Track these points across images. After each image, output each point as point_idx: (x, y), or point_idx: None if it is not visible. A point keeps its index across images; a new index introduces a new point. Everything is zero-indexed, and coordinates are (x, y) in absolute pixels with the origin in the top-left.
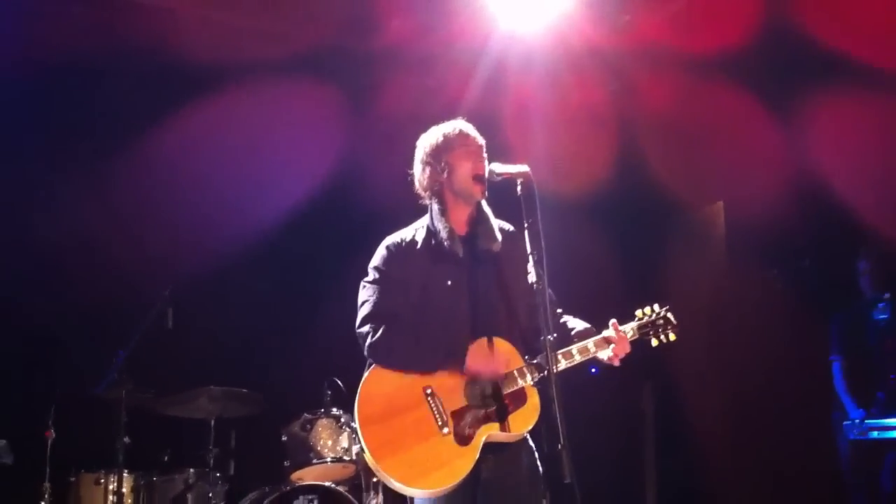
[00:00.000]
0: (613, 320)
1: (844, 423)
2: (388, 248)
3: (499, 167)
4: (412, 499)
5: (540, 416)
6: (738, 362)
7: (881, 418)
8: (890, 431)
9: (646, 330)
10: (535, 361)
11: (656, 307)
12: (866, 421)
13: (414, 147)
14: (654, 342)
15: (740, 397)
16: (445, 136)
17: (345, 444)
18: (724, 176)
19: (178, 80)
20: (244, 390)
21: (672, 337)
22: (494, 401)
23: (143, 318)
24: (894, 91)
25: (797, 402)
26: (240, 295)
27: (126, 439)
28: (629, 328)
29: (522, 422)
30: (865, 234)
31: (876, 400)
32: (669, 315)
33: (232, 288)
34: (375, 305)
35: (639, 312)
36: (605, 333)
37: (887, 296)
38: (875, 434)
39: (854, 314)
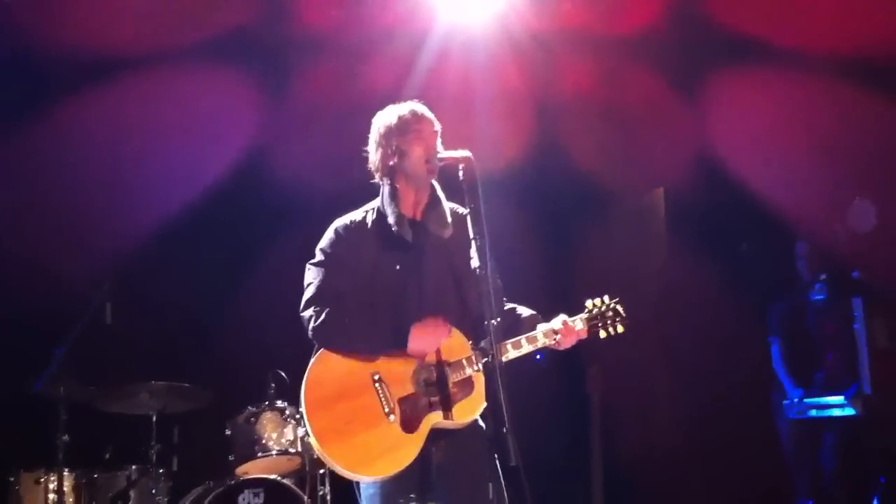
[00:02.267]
0: (563, 316)
1: (784, 402)
2: (336, 230)
3: (440, 152)
4: (358, 485)
5: (487, 403)
6: (682, 347)
7: (819, 397)
8: (828, 410)
9: (595, 322)
10: (480, 346)
11: (606, 299)
12: (805, 400)
13: (339, 133)
14: (603, 334)
15: (684, 381)
16: (400, 118)
17: (290, 436)
18: (663, 162)
19: (88, 65)
20: (186, 385)
21: (620, 329)
22: (440, 388)
23: (81, 313)
24: (814, 72)
25: (739, 383)
26: (179, 287)
27: (66, 437)
28: (578, 320)
29: (468, 410)
30: (799, 217)
31: (814, 380)
32: (619, 307)
33: (170, 280)
34: (320, 288)
35: (588, 304)
36: (554, 325)
37: (823, 277)
38: (814, 413)
39: (792, 296)
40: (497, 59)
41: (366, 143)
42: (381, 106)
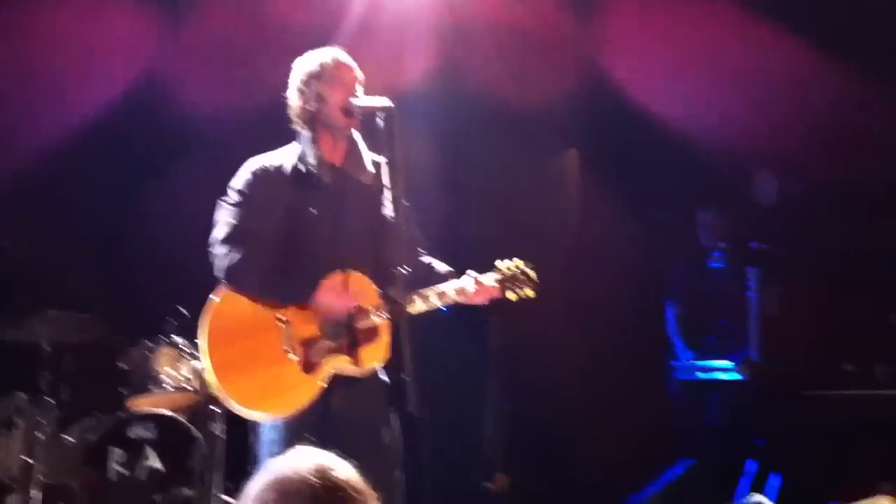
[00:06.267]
0: (474, 274)
1: (674, 363)
2: (252, 171)
3: (360, 99)
4: (257, 427)
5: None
6: (586, 306)
7: (708, 361)
8: (715, 373)
9: (505, 283)
10: (388, 295)
11: (518, 262)
12: (694, 363)
13: (245, 63)
14: (512, 296)
15: (585, 339)
16: (321, 65)
17: (186, 373)
18: (578, 122)
19: None
20: (82, 315)
21: (529, 293)
22: (346, 334)
23: None
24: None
25: (637, 343)
26: (79, 214)
27: None
28: (490, 279)
29: (372, 357)
30: (707, 184)
31: (705, 344)
32: (530, 271)
33: (69, 206)
34: (233, 228)
35: (499, 264)
36: (465, 282)
37: (723, 245)
38: (701, 375)
39: (691, 262)
40: None
41: (273, 72)
42: (288, 35)
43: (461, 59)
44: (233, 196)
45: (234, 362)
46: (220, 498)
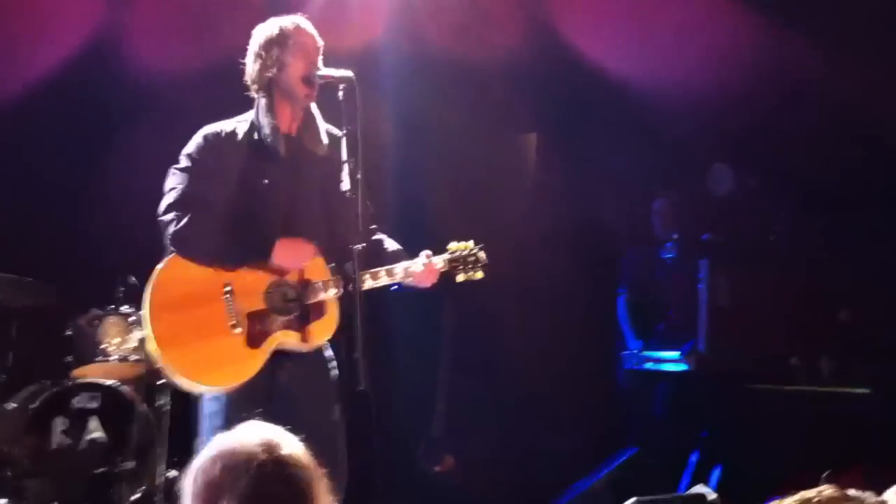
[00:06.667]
0: (427, 252)
1: (623, 353)
2: (205, 136)
3: (322, 70)
4: (199, 400)
5: (338, 328)
6: (538, 290)
7: (657, 351)
8: (663, 364)
9: (455, 265)
10: (339, 272)
11: (470, 244)
12: (643, 353)
13: (201, 26)
14: (461, 277)
15: (537, 325)
16: (282, 30)
17: (133, 343)
18: (537, 106)
19: None
20: (28, 279)
21: (479, 275)
22: (294, 309)
23: None
24: None
25: (587, 331)
26: (28, 174)
27: None
28: (440, 260)
29: (318, 333)
30: (662, 173)
31: (655, 333)
32: (481, 254)
33: (18, 166)
34: (183, 193)
35: (452, 246)
36: (416, 261)
37: (675, 236)
38: (649, 365)
39: (644, 251)
40: None
41: (232, 37)
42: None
43: (419, 32)
44: (183, 162)
45: (178, 333)
46: (164, 471)
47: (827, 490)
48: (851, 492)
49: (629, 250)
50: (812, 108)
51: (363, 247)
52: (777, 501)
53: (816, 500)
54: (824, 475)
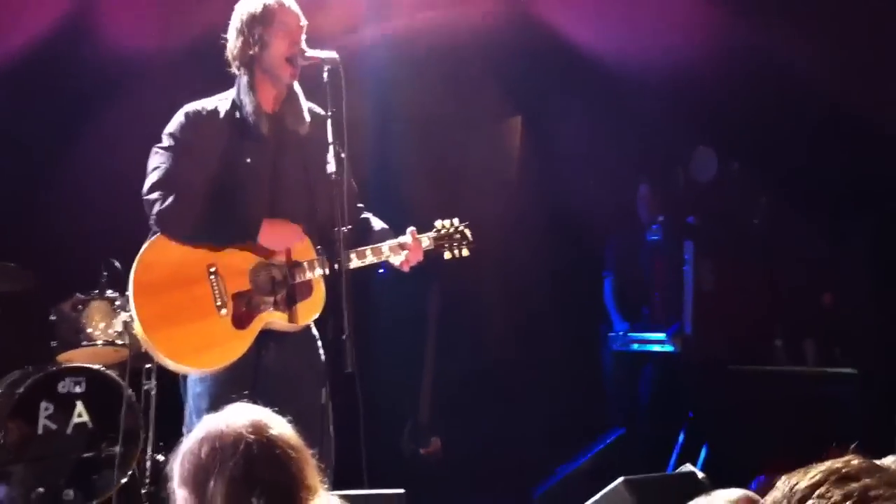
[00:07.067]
0: (412, 228)
1: (609, 334)
2: (186, 114)
3: (308, 51)
4: (185, 382)
5: (325, 309)
6: (524, 274)
7: (643, 332)
8: (649, 345)
9: (441, 242)
10: (326, 254)
11: (455, 221)
12: (629, 334)
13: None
14: (448, 255)
15: (524, 308)
16: (266, 8)
17: (118, 327)
18: (524, 91)
19: None
20: (10, 264)
21: (465, 252)
22: (281, 289)
23: None
24: None
25: (574, 313)
26: (6, 157)
27: None
28: (426, 238)
29: (305, 313)
30: (646, 160)
31: (641, 316)
32: (467, 231)
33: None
34: (167, 173)
35: (438, 224)
36: (402, 239)
37: (661, 219)
38: (635, 347)
39: (629, 235)
40: None
41: (212, 13)
42: None
43: (400, 15)
44: (166, 140)
45: (163, 314)
46: (151, 455)
47: (855, 460)
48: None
49: (615, 234)
50: (796, 96)
51: (349, 229)
52: (800, 471)
53: (846, 470)
54: (852, 446)
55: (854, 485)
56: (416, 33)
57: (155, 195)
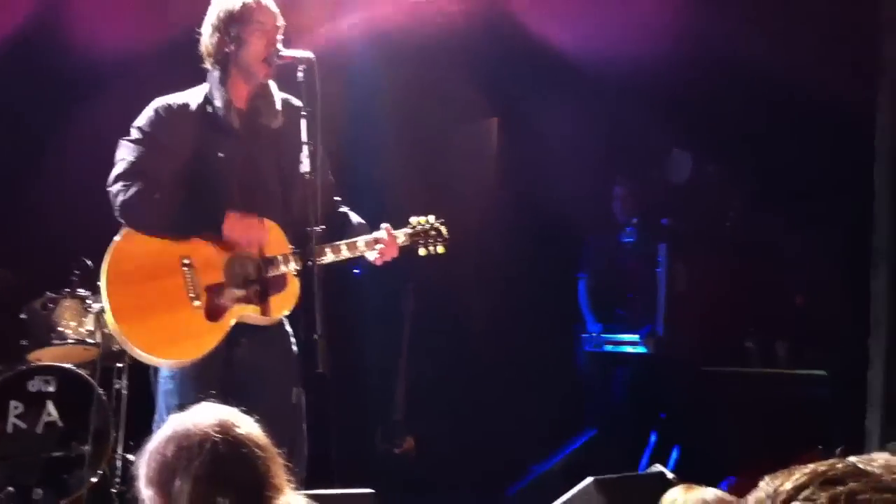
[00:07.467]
0: (386, 224)
1: (583, 335)
2: (156, 109)
3: (283, 51)
4: (156, 379)
5: (298, 304)
6: (499, 274)
7: (616, 334)
8: (622, 346)
9: (416, 238)
10: (300, 251)
11: (431, 218)
12: (602, 335)
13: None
14: (423, 252)
15: (498, 309)
16: (244, 5)
17: (89, 326)
18: (500, 92)
19: None
20: None
21: (441, 249)
22: (254, 282)
23: None
24: None
25: (548, 314)
26: None
27: None
28: (401, 234)
29: (279, 306)
30: (621, 161)
31: (614, 317)
32: (442, 228)
33: None
34: (131, 164)
35: (413, 220)
36: (377, 234)
37: (635, 221)
38: (609, 348)
39: (604, 236)
40: None
41: (186, 8)
42: None
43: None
44: (133, 134)
45: (135, 306)
46: (121, 455)
47: (839, 464)
48: (869, 464)
49: (589, 235)
50: (771, 98)
51: (322, 229)
52: (784, 472)
53: (831, 473)
54: (839, 450)
55: (840, 488)
56: (393, 34)
57: (118, 186)
